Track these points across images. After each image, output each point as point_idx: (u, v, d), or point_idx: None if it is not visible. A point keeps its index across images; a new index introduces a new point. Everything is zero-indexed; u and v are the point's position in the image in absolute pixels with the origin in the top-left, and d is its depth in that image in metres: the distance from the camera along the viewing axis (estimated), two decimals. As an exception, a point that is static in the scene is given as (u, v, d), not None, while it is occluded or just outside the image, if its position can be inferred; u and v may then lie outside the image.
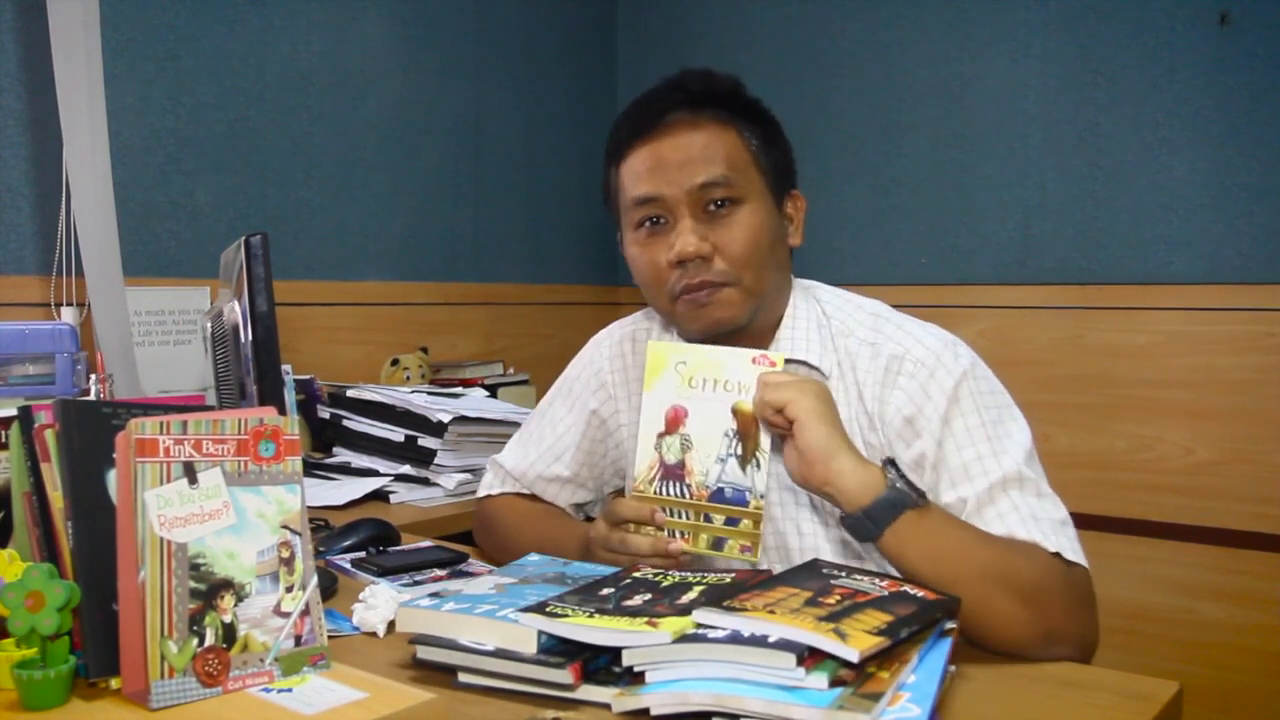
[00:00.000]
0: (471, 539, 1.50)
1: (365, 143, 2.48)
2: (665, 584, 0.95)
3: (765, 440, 1.05)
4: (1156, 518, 2.30)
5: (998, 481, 1.04)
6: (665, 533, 1.07)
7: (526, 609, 0.86)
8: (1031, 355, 2.44)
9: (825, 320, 1.20)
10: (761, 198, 1.17)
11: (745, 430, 1.05)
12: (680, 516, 1.07)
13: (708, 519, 1.06)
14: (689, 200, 1.14)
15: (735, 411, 1.06)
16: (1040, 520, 1.02)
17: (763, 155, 1.19)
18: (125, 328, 1.85)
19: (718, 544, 1.05)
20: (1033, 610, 0.95)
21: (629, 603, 0.88)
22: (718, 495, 1.06)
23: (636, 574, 0.99)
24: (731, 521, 1.05)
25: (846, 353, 1.17)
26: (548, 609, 0.86)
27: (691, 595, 0.90)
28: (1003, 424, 1.09)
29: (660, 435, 1.09)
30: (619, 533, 1.09)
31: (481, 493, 1.45)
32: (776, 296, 1.20)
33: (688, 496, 1.07)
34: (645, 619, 0.83)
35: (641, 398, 1.11)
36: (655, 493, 1.08)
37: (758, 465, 1.05)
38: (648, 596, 0.90)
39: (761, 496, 1.05)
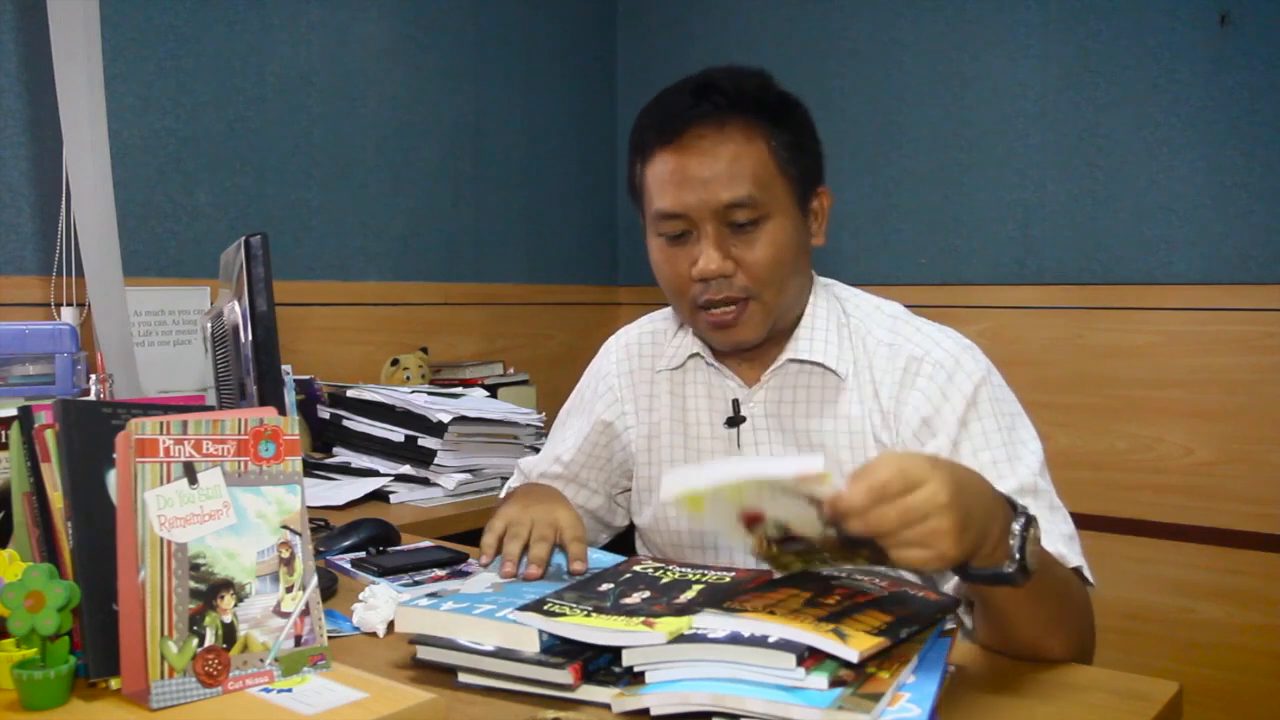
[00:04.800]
0: (471, 539, 1.51)
1: (365, 143, 2.48)
2: (664, 580, 0.95)
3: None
4: (1156, 518, 2.29)
5: (1014, 490, 1.03)
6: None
7: (524, 606, 0.86)
8: (1031, 355, 2.44)
9: (845, 319, 1.21)
10: (786, 210, 1.15)
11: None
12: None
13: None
14: (713, 218, 1.12)
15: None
16: (1053, 536, 1.02)
17: (790, 163, 1.15)
18: (125, 328, 1.85)
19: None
20: (1072, 638, 0.95)
21: (627, 600, 0.88)
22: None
23: (637, 568, 0.99)
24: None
25: (864, 351, 1.18)
26: (545, 606, 0.86)
27: (690, 594, 0.90)
28: (1016, 431, 1.10)
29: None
30: None
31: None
32: (796, 298, 1.20)
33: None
34: (641, 619, 0.83)
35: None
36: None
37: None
38: (646, 594, 0.90)
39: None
